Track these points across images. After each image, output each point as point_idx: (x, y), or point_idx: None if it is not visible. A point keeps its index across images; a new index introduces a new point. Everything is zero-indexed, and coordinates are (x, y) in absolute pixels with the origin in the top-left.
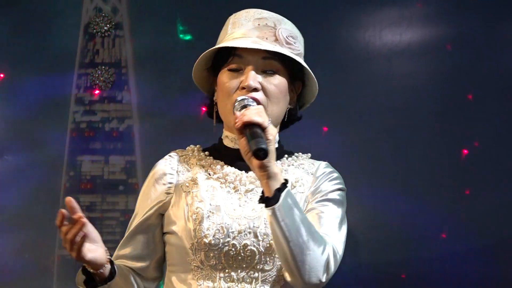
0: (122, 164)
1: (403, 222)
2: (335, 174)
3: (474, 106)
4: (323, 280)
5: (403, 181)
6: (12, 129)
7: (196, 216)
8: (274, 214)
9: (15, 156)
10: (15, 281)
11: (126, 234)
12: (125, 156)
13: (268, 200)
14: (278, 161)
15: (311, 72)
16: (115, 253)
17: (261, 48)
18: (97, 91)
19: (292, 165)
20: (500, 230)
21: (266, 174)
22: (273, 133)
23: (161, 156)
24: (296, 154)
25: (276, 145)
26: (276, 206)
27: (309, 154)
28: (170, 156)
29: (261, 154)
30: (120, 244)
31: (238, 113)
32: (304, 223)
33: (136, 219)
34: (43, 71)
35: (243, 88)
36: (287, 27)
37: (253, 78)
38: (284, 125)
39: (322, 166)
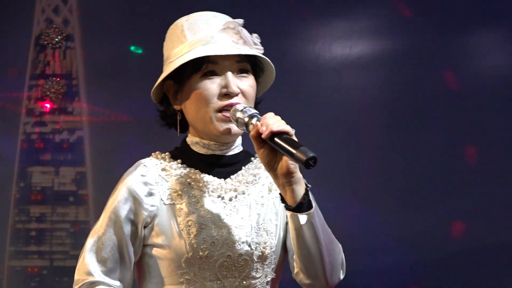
0: (72, 175)
1: (353, 230)
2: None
3: (422, 118)
4: (341, 278)
5: (353, 191)
6: None
7: (189, 229)
8: (309, 219)
9: None
10: None
11: (104, 248)
12: (75, 167)
13: (301, 206)
14: (248, 165)
15: (273, 68)
16: (95, 269)
17: (242, 53)
18: (48, 103)
19: (261, 167)
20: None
21: (292, 180)
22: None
23: (111, 167)
24: (255, 155)
25: (241, 148)
26: (312, 211)
27: None
28: (145, 165)
29: (312, 162)
30: (103, 258)
31: (258, 123)
32: (326, 225)
33: (113, 233)
34: None
35: (226, 94)
36: (242, 28)
37: (234, 83)
38: None
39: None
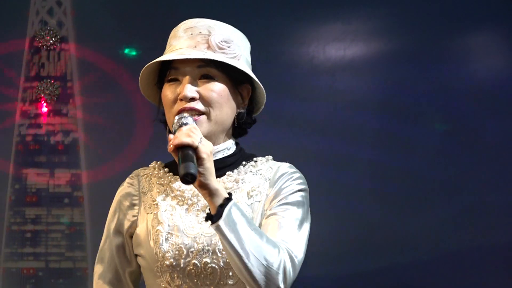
0: (67, 177)
1: (348, 229)
2: (297, 174)
3: (416, 119)
4: (282, 287)
5: (346, 192)
6: None
7: (156, 239)
8: (219, 230)
9: None
10: None
11: (103, 260)
12: (70, 169)
13: (213, 217)
14: (235, 170)
15: (248, 71)
16: (97, 282)
17: (187, 58)
18: (42, 105)
19: (250, 171)
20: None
21: (207, 192)
22: (206, 150)
23: (106, 168)
24: (255, 158)
25: (230, 152)
26: (219, 222)
27: (270, 157)
28: (132, 177)
29: (188, 179)
30: (98, 277)
31: (171, 136)
32: (253, 235)
33: (109, 244)
34: None
35: (181, 99)
36: (222, 32)
37: (188, 88)
38: (240, 130)
39: (284, 167)
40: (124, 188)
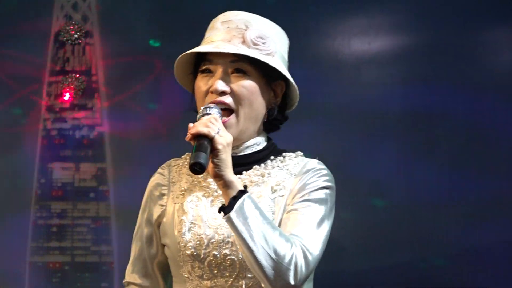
0: (93, 171)
1: (370, 224)
2: (324, 171)
3: (441, 113)
4: (292, 283)
5: (370, 186)
6: None
7: (180, 228)
8: (229, 221)
9: None
10: None
11: (134, 249)
12: (96, 163)
13: (225, 209)
14: (262, 164)
15: (282, 69)
16: (128, 269)
17: (222, 51)
18: (67, 99)
19: (277, 166)
20: None
21: (221, 183)
22: (223, 142)
23: (132, 162)
24: (284, 154)
25: (260, 147)
26: (231, 214)
27: (300, 152)
28: (164, 167)
29: (197, 168)
30: (129, 264)
31: (190, 125)
32: (265, 228)
33: (140, 234)
34: (14, 79)
35: (212, 92)
36: (259, 27)
37: (220, 82)
38: (271, 126)
39: (312, 163)
40: (155, 178)
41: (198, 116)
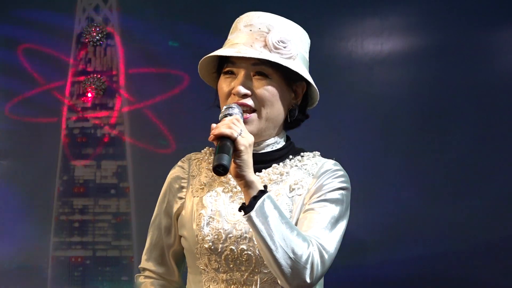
0: (113, 168)
1: (382, 221)
2: (340, 172)
3: (452, 113)
4: (308, 281)
5: (383, 185)
6: (7, 136)
7: (198, 222)
8: (250, 221)
9: (11, 161)
10: (10, 281)
11: (151, 238)
12: (116, 161)
13: (245, 208)
14: (281, 163)
15: (302, 72)
16: (143, 257)
17: (245, 56)
18: (89, 99)
19: (296, 166)
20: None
21: (243, 183)
22: (245, 143)
23: (151, 160)
24: (302, 153)
25: (279, 146)
26: (251, 213)
27: (317, 152)
28: (184, 160)
29: (220, 170)
30: (145, 251)
31: (213, 125)
32: (284, 228)
33: (157, 224)
34: (38, 79)
35: (234, 94)
36: (281, 30)
37: (242, 84)
38: (292, 124)
39: (329, 164)
40: (175, 171)
41: (220, 116)
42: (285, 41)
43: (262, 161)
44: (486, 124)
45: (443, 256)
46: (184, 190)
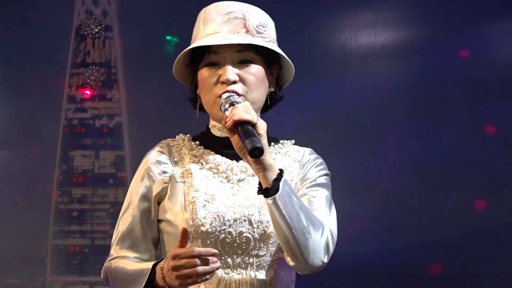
0: (112, 158)
1: (376, 211)
2: (320, 160)
3: (444, 103)
4: (325, 261)
5: (377, 175)
6: (7, 126)
7: (193, 205)
8: (275, 203)
9: (11, 150)
10: (10, 269)
11: (123, 227)
12: (114, 151)
13: (268, 191)
14: (270, 149)
15: (285, 55)
16: (114, 248)
17: (233, 43)
18: (88, 90)
19: (279, 152)
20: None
21: (261, 167)
22: (263, 127)
23: (149, 150)
24: (281, 141)
25: None
26: (277, 195)
27: (293, 141)
28: (162, 146)
29: (256, 153)
30: (118, 238)
31: (227, 112)
32: (302, 209)
33: (132, 210)
34: (37, 71)
35: (223, 82)
36: (257, 16)
37: (230, 72)
38: (266, 107)
39: (307, 153)
40: (154, 156)
41: (222, 104)
42: (264, 25)
43: None
44: (479, 115)
45: (437, 244)
46: (167, 174)
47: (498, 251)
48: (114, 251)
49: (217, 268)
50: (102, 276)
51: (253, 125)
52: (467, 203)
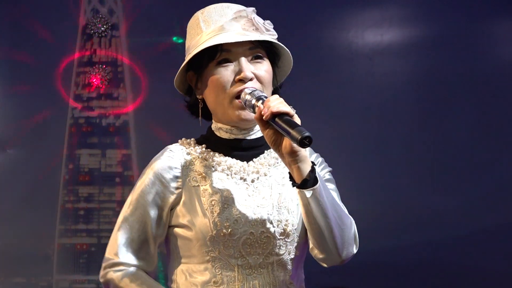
0: (118, 157)
1: (383, 208)
2: (320, 159)
3: (451, 102)
4: (355, 251)
5: (384, 173)
6: (14, 125)
7: (213, 209)
8: (314, 195)
9: (18, 149)
10: (17, 268)
11: (127, 234)
12: (121, 150)
13: (306, 183)
14: (271, 150)
15: (289, 52)
16: (120, 255)
17: (251, 39)
18: (94, 89)
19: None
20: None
21: (297, 159)
22: (299, 120)
23: (155, 149)
24: None
25: None
26: (316, 187)
27: None
28: (170, 150)
29: (306, 141)
30: (120, 246)
31: (260, 105)
32: (334, 201)
33: (137, 217)
34: (43, 70)
35: (240, 80)
36: (255, 15)
37: (247, 69)
38: None
39: (307, 151)
40: (165, 161)
41: (247, 100)
42: (270, 23)
43: (253, 146)
44: (484, 114)
45: (442, 243)
46: (179, 180)
47: (506, 250)
48: (120, 253)
49: None
50: (101, 281)
51: (291, 117)
52: (473, 202)
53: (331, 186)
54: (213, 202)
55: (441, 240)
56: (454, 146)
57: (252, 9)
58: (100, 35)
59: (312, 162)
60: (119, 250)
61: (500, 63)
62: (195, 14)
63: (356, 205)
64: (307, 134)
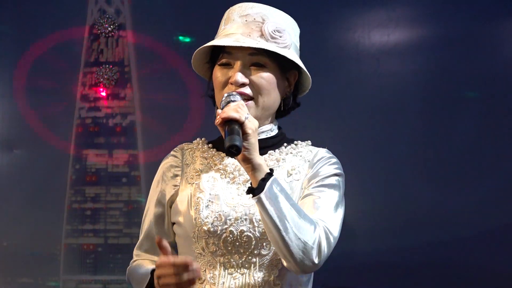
0: (125, 157)
1: (387, 209)
2: (334, 159)
3: (457, 102)
4: (316, 262)
5: (389, 174)
6: (20, 125)
7: (197, 205)
8: (260, 203)
9: (24, 150)
10: (23, 268)
11: (142, 232)
12: (128, 150)
13: (254, 190)
14: (276, 150)
15: (298, 61)
16: (136, 251)
17: (243, 46)
18: (101, 89)
19: (291, 153)
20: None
21: (250, 166)
22: (252, 126)
23: (162, 149)
24: (295, 142)
25: (273, 133)
26: (261, 195)
27: (309, 142)
28: (176, 150)
29: (233, 150)
30: (139, 243)
31: (219, 111)
32: (292, 209)
33: (149, 215)
34: (50, 70)
35: (232, 83)
36: (275, 20)
37: (240, 74)
38: (283, 113)
39: (322, 152)
40: (169, 160)
41: (222, 103)
42: (281, 31)
43: (259, 147)
44: (491, 114)
45: (448, 243)
46: (178, 178)
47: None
48: (135, 255)
49: (198, 273)
50: (126, 279)
51: (241, 124)
52: (479, 201)
53: (327, 193)
54: (198, 199)
55: (448, 240)
56: (460, 146)
57: (266, 13)
58: (107, 35)
59: (271, 170)
60: (136, 249)
61: (507, 64)
62: (228, 9)
63: (362, 206)
64: (232, 143)
